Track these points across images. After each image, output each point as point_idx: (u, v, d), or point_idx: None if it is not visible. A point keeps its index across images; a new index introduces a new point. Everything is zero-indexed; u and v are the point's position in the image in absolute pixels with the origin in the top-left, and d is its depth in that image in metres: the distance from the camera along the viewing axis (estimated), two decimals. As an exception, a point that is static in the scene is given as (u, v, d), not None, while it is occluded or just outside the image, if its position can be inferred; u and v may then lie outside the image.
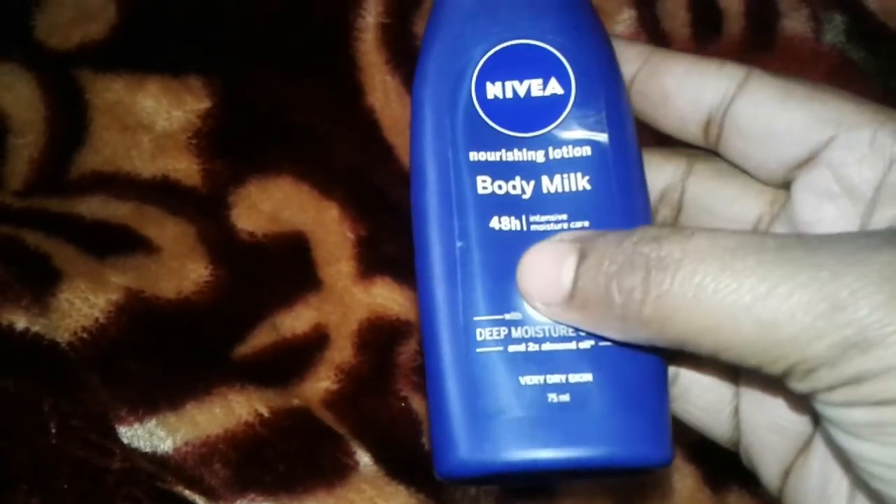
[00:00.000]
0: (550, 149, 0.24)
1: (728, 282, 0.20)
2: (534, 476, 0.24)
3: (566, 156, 0.24)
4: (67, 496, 0.31)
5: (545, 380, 0.23)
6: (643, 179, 0.25)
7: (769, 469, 0.25)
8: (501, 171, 0.24)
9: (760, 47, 0.46)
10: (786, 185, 0.26)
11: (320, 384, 0.39)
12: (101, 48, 0.43)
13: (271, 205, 0.42)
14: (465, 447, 0.23)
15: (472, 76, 0.25)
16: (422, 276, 0.25)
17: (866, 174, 0.23)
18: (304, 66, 0.45)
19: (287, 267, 0.41)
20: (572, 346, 0.23)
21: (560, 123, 0.24)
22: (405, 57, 0.45)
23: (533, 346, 0.23)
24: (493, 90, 0.25)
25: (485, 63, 0.25)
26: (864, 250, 0.19)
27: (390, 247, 0.42)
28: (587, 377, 0.23)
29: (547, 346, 0.23)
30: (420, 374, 0.39)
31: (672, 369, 0.26)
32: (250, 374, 0.37)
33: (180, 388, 0.36)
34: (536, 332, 0.23)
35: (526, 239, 0.24)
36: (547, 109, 0.24)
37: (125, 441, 0.34)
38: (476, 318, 0.24)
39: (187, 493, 0.34)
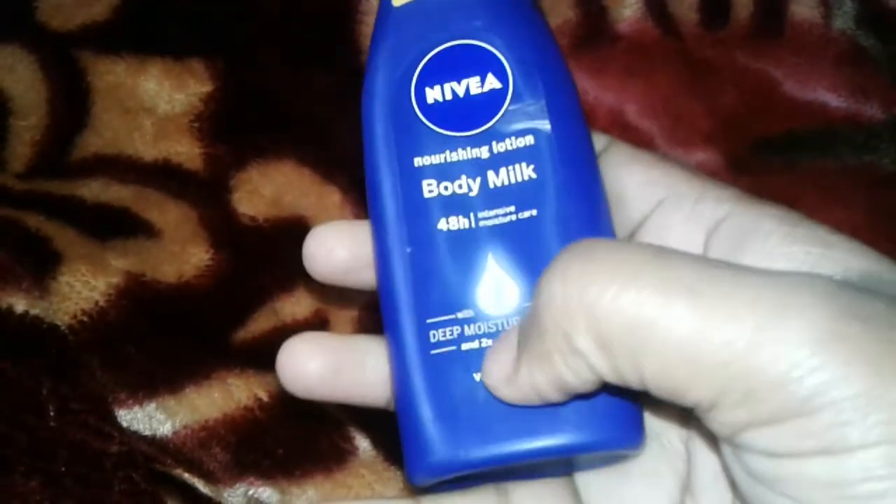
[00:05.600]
0: (494, 143, 0.25)
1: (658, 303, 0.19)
2: (504, 470, 0.24)
3: (510, 148, 0.24)
4: (65, 479, 0.31)
5: None
6: (592, 163, 0.25)
7: None
8: (447, 172, 0.25)
9: (769, 33, 0.46)
10: None
11: (320, 369, 0.39)
12: (103, 30, 0.43)
13: (273, 189, 0.42)
14: (431, 450, 0.23)
15: (410, 84, 0.25)
16: (379, 284, 0.25)
17: (691, 237, 0.24)
18: (308, 49, 0.45)
19: (288, 252, 0.41)
20: None
21: (501, 117, 0.25)
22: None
23: (486, 342, 0.24)
24: (433, 94, 0.25)
25: (422, 70, 0.25)
26: (798, 277, 0.19)
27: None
28: None
29: None
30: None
31: None
32: (250, 359, 0.37)
33: (180, 371, 0.36)
34: (489, 328, 0.24)
35: (475, 236, 0.24)
36: (487, 105, 0.25)
37: (124, 424, 0.34)
38: (429, 321, 0.24)
39: (186, 476, 0.35)
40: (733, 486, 0.22)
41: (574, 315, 0.20)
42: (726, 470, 0.21)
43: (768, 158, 0.44)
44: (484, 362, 0.23)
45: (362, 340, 0.27)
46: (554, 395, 0.22)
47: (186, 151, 0.42)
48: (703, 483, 0.24)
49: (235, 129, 0.43)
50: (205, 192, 0.41)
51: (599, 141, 0.26)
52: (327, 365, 0.26)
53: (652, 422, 0.25)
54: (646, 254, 0.20)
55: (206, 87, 0.43)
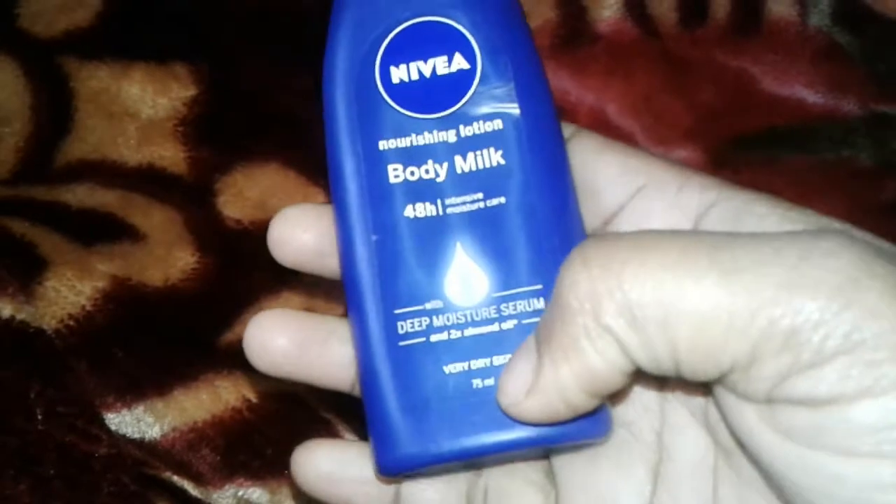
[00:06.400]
0: (461, 126, 0.24)
1: (679, 275, 0.19)
2: (475, 461, 0.24)
3: (477, 132, 0.24)
4: (54, 482, 0.31)
5: (469, 366, 0.23)
6: (561, 150, 0.24)
7: None
8: (413, 156, 0.24)
9: (746, 31, 0.46)
10: None
11: (308, 370, 0.39)
12: (86, 36, 0.43)
13: (258, 192, 0.42)
14: (400, 443, 0.23)
15: (375, 62, 0.24)
16: (343, 273, 0.24)
17: (677, 224, 0.23)
18: (291, 51, 0.45)
19: (274, 254, 0.41)
20: (495, 327, 0.23)
21: (469, 99, 0.24)
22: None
23: (455, 333, 0.23)
24: (398, 74, 0.24)
25: (386, 47, 0.24)
26: (815, 231, 0.19)
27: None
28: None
29: (470, 331, 0.23)
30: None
31: None
32: (237, 361, 0.37)
33: (168, 374, 0.36)
34: (458, 319, 0.23)
35: (443, 223, 0.24)
36: (454, 86, 0.24)
37: (113, 427, 0.34)
38: (396, 311, 0.23)
39: (175, 478, 0.35)
40: (756, 460, 0.21)
41: (600, 294, 0.19)
42: (748, 447, 0.21)
43: (748, 154, 0.44)
44: (499, 380, 0.22)
45: (332, 321, 0.26)
46: (580, 397, 0.21)
47: (171, 156, 0.42)
48: (680, 475, 0.24)
49: (219, 133, 0.43)
50: (190, 195, 0.41)
51: (566, 130, 0.25)
52: (294, 342, 0.25)
53: (625, 412, 0.25)
54: (661, 232, 0.20)
55: (189, 91, 0.43)
